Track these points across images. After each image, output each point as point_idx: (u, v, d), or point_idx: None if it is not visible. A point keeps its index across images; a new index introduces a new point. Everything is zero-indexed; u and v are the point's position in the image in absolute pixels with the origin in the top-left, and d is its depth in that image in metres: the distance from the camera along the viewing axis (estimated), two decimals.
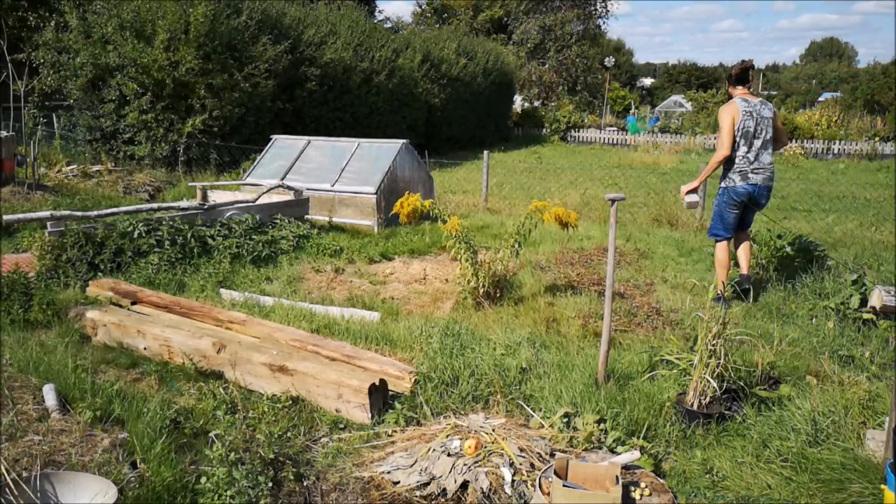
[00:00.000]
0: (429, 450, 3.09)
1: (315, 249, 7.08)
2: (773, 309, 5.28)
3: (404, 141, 9.43)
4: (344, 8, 18.80)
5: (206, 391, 3.71)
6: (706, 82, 57.13)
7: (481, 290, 5.46)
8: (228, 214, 7.22)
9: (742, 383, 3.63)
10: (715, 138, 23.04)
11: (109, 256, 5.93)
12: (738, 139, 5.38)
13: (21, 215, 6.22)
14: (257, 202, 7.75)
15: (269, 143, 10.25)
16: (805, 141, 24.20)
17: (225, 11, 13.09)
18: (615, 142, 27.26)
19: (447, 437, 3.15)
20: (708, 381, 3.47)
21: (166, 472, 2.80)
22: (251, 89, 13.32)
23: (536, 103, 33.98)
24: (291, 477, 2.95)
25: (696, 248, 7.54)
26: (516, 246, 5.61)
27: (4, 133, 9.39)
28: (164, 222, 6.46)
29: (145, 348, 4.35)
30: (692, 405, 3.50)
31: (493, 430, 3.16)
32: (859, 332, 4.72)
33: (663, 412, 3.50)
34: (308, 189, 8.79)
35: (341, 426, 3.49)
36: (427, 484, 2.93)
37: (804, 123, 25.33)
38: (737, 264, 5.74)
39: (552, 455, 3.05)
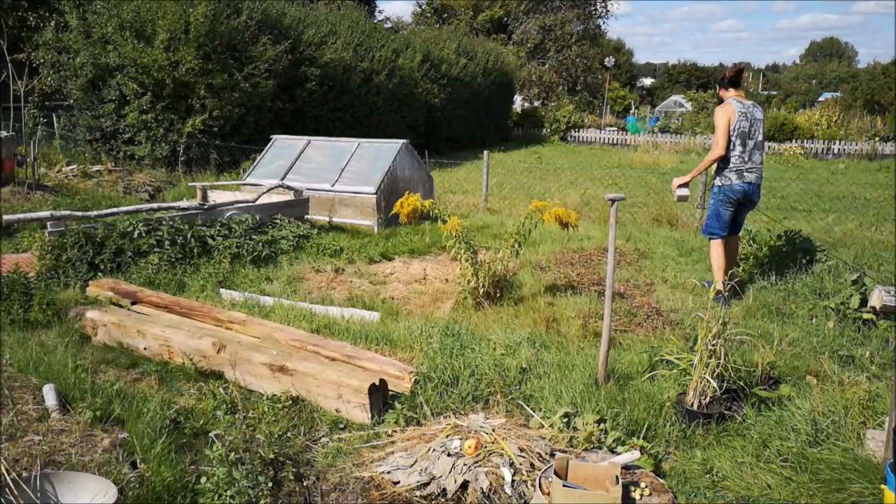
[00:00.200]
0: (429, 450, 3.09)
1: (315, 249, 7.08)
2: (773, 309, 5.29)
3: (404, 141, 9.43)
4: (344, 8, 18.78)
5: (206, 391, 3.71)
6: (706, 82, 56.98)
7: (481, 290, 5.46)
8: (228, 214, 7.22)
9: (742, 383, 3.64)
10: None
11: (109, 256, 5.93)
12: (733, 139, 5.50)
13: (21, 215, 6.23)
14: (257, 202, 7.75)
15: (269, 143, 10.25)
16: (805, 141, 24.17)
17: (225, 11, 13.08)
18: (615, 142, 27.23)
19: (447, 437, 3.15)
20: (708, 381, 3.47)
21: (166, 472, 2.80)
22: (251, 89, 13.32)
23: (536, 103, 33.97)
24: (291, 477, 2.95)
25: (696, 248, 7.54)
26: (516, 246, 5.62)
27: (4, 133, 9.39)
28: (164, 222, 6.47)
29: (145, 348, 4.36)
30: (692, 405, 3.50)
31: (493, 430, 3.17)
32: (859, 332, 4.72)
33: (663, 412, 3.50)
34: (308, 189, 8.79)
35: (341, 426, 3.49)
36: (427, 484, 2.93)
37: (804, 123, 25.31)
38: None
39: (552, 455, 3.05)
